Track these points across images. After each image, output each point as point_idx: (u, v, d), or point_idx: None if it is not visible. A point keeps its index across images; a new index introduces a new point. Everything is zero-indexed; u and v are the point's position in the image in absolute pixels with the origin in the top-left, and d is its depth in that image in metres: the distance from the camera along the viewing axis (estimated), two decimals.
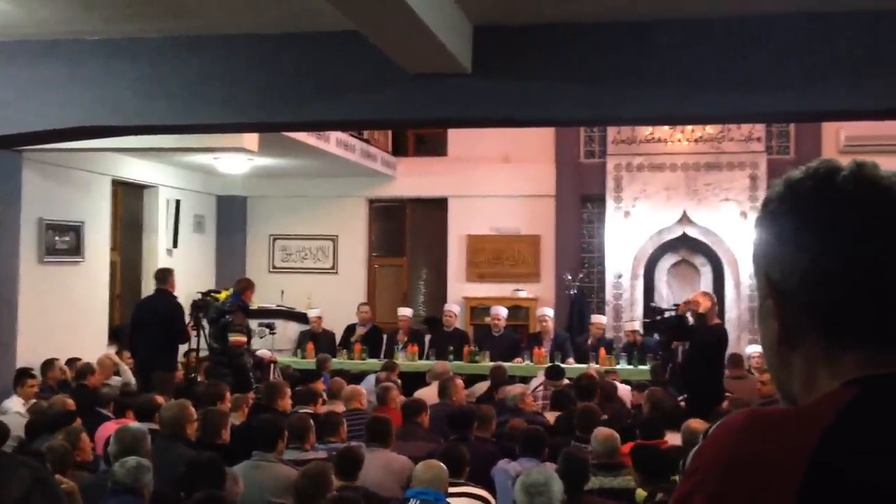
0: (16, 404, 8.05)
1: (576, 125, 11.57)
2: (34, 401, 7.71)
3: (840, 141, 11.66)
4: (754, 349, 10.49)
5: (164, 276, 9.13)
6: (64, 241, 10.12)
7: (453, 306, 11.75)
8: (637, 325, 10.99)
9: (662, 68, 5.80)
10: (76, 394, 7.51)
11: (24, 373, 8.43)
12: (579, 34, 5.86)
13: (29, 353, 9.11)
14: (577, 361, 10.41)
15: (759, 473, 0.87)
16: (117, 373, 9.18)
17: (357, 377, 9.80)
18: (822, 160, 0.99)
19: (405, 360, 10.51)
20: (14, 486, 0.90)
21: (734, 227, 11.76)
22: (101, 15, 5.92)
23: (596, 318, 11.26)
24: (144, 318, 8.95)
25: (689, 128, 11.88)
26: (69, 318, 10.08)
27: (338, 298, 12.69)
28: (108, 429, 5.76)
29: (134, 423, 5.02)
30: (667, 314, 9.32)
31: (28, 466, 0.95)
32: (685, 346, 8.65)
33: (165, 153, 10.72)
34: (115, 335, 10.80)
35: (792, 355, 0.98)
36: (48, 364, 9.07)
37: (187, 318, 9.38)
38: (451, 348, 10.63)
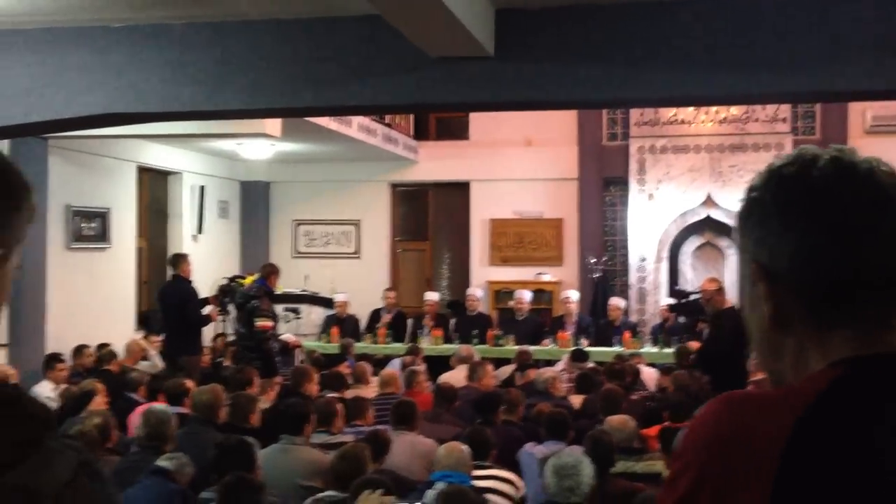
0: (45, 389, 8.16)
1: (599, 107, 11.51)
2: (64, 386, 7.81)
3: (866, 121, 11.55)
4: None
5: (177, 261, 9.27)
6: (91, 228, 10.22)
7: (476, 290, 11.76)
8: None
9: (686, 48, 5.76)
10: (102, 378, 7.60)
11: (54, 357, 8.55)
12: (602, 15, 5.82)
13: (57, 339, 9.23)
14: (600, 345, 10.40)
15: (739, 454, 0.88)
16: (146, 358, 9.28)
17: (381, 361, 9.85)
18: (801, 148, 1.02)
19: (430, 345, 10.55)
20: (61, 469, 0.92)
21: None
22: (126, 2, 5.96)
23: (613, 301, 11.22)
24: (164, 305, 9.17)
25: (714, 109, 11.80)
26: (97, 303, 10.20)
27: (361, 283, 12.74)
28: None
29: (160, 405, 5.09)
30: (692, 297, 9.31)
31: (73, 449, 0.96)
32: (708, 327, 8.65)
33: (190, 139, 10.79)
34: (143, 320, 10.91)
35: (784, 339, 0.99)
36: (78, 350, 9.19)
37: (209, 308, 9.47)
38: (475, 332, 10.65)
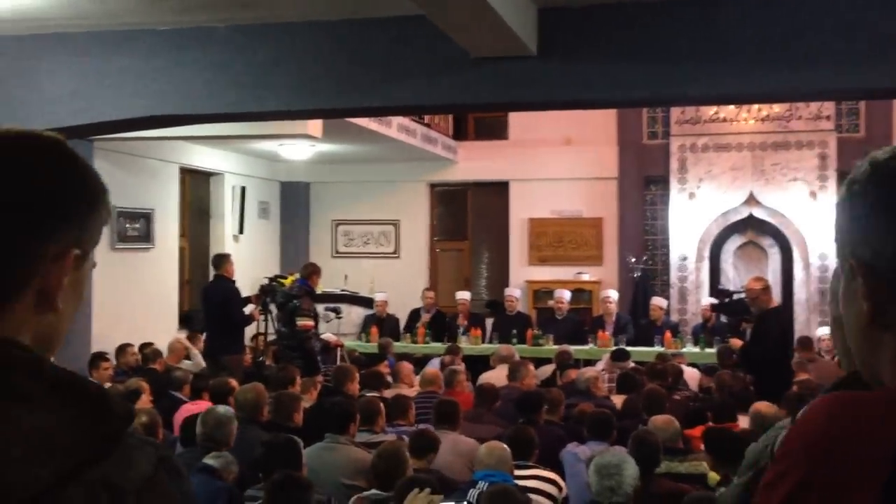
0: None
1: (643, 106, 11.43)
2: (109, 384, 7.92)
3: None
4: (824, 331, 10.30)
5: (220, 261, 9.36)
6: (135, 229, 10.36)
7: (514, 290, 11.75)
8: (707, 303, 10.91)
9: (729, 46, 5.71)
10: (147, 377, 7.69)
11: (99, 356, 8.66)
12: (644, 13, 5.79)
13: (102, 338, 9.35)
14: (642, 344, 10.33)
15: (848, 458, 0.86)
16: (188, 357, 9.39)
17: (421, 361, 9.87)
18: None
19: (468, 344, 10.55)
20: (143, 465, 0.93)
21: (803, 207, 11.53)
22: (170, 6, 6.03)
23: (655, 301, 11.15)
24: (206, 305, 9.27)
25: (756, 106, 11.66)
26: (140, 303, 10.32)
27: (400, 282, 12.77)
28: (186, 411, 5.91)
29: (222, 407, 5.13)
30: (735, 296, 9.22)
31: (151, 445, 0.98)
32: (751, 326, 8.56)
33: (231, 141, 10.88)
34: (186, 320, 11.03)
35: (881, 337, 0.96)
36: (121, 349, 9.31)
37: (250, 308, 9.54)
38: (515, 332, 10.64)
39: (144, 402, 6.37)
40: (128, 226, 10.24)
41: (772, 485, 0.91)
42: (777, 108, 11.71)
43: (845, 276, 1.01)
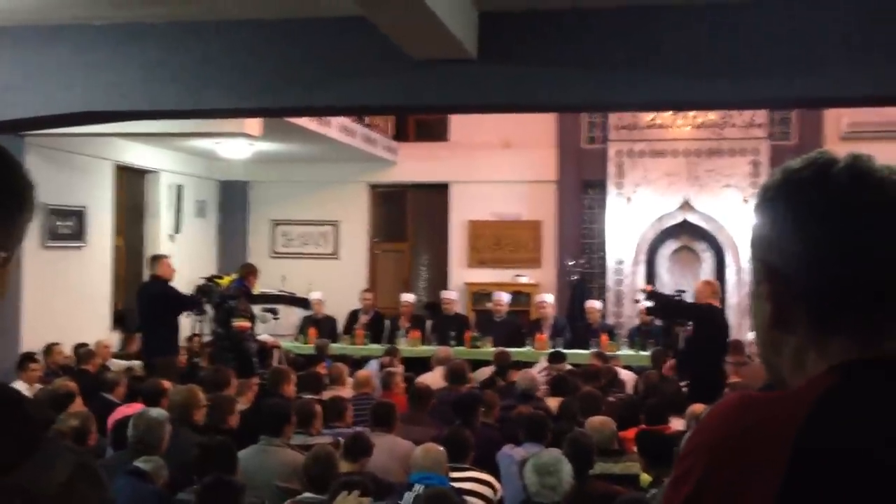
0: (20, 389, 8.08)
1: (581, 111, 11.56)
2: (39, 386, 7.74)
3: (842, 127, 11.65)
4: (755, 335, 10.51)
5: (154, 262, 9.18)
6: (66, 226, 10.13)
7: (451, 293, 11.78)
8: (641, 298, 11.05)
9: (666, 54, 5.82)
10: (78, 378, 7.53)
11: (28, 357, 8.47)
12: (584, 20, 5.87)
13: (32, 338, 9.13)
14: (578, 347, 10.42)
15: (744, 455, 0.90)
16: (119, 356, 9.21)
17: (359, 362, 9.83)
18: (820, 151, 1.02)
19: (407, 346, 10.54)
20: (58, 471, 0.92)
21: (735, 213, 11.77)
22: (107, 0, 5.93)
23: (591, 304, 11.27)
24: (140, 305, 9.08)
25: (691, 114, 11.87)
26: (72, 302, 10.11)
27: (339, 284, 12.70)
28: (121, 414, 5.79)
29: (154, 410, 5.02)
30: (672, 298, 9.34)
31: (71, 451, 0.96)
32: (685, 331, 8.70)
33: (167, 138, 10.71)
34: (119, 319, 10.83)
35: (783, 338, 1.00)
36: (49, 349, 9.11)
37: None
38: (453, 333, 10.65)
39: (78, 404, 6.23)
40: (59, 223, 10.01)
41: (678, 481, 0.94)
42: (712, 116, 11.93)
43: (755, 278, 1.04)
